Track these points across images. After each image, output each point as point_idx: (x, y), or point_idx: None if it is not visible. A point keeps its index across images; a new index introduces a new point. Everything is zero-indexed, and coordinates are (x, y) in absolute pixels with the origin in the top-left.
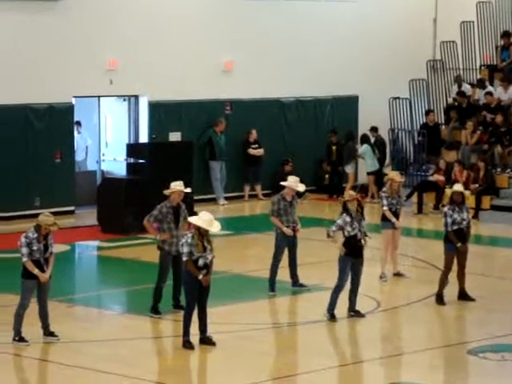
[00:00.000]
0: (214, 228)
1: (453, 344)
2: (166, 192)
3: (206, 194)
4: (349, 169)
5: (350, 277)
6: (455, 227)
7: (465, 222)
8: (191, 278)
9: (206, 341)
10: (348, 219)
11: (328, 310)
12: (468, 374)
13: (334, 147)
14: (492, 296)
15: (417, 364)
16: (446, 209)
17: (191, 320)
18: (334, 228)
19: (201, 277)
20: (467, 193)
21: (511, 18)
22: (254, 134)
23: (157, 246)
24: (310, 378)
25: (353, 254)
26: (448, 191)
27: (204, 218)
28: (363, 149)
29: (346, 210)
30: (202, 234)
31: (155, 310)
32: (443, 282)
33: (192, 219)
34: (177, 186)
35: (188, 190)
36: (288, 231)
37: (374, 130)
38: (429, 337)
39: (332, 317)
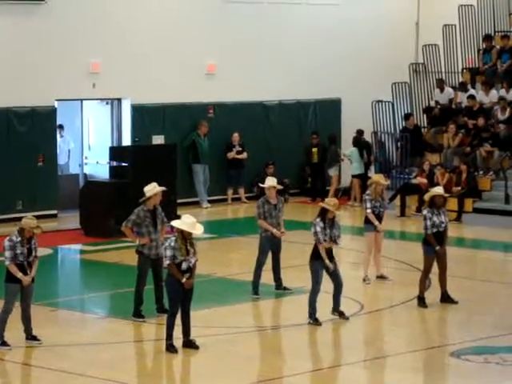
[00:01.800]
0: (197, 231)
1: (435, 346)
2: (145, 198)
3: (189, 198)
4: (332, 172)
5: (331, 279)
6: (435, 230)
7: (443, 225)
8: (174, 282)
9: (189, 344)
10: (321, 225)
11: (310, 315)
12: (450, 377)
13: (314, 149)
14: (475, 298)
15: (399, 367)
16: (425, 212)
17: (174, 323)
18: (320, 237)
19: (184, 280)
20: (447, 195)
21: (493, 22)
22: (236, 137)
23: (136, 251)
24: (294, 381)
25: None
26: (427, 195)
27: (187, 221)
28: (351, 151)
29: (321, 214)
30: (185, 237)
31: (138, 314)
32: (423, 284)
33: (175, 223)
34: (152, 189)
35: (163, 188)
36: (277, 233)
37: (359, 133)
38: (411, 339)
39: (316, 321)
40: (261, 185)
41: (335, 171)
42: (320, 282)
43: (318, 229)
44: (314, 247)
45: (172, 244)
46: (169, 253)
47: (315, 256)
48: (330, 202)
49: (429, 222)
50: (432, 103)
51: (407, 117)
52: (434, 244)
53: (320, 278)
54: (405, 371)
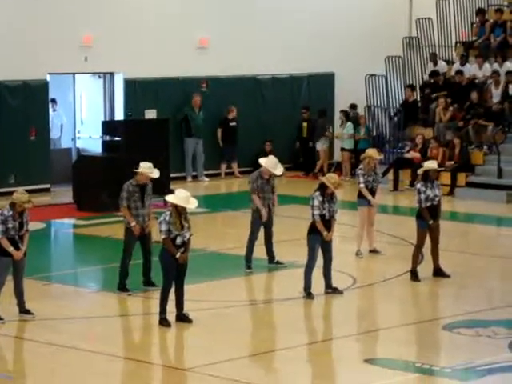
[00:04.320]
0: (191, 205)
1: (427, 320)
2: (136, 171)
3: (181, 172)
4: (319, 146)
5: (322, 253)
6: (428, 203)
7: (437, 199)
8: (168, 256)
9: (182, 318)
10: (320, 198)
11: (304, 289)
12: (442, 350)
13: (304, 124)
14: (467, 272)
15: (392, 340)
16: (418, 185)
17: (168, 298)
18: (316, 212)
19: (178, 255)
20: (441, 169)
21: None
22: (234, 111)
23: (125, 227)
24: (287, 354)
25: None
26: (421, 169)
27: (180, 196)
28: (347, 126)
29: (320, 189)
30: (179, 211)
31: (123, 288)
32: (416, 258)
33: (168, 197)
34: (145, 169)
35: (156, 175)
36: (264, 215)
37: (353, 107)
38: (404, 313)
39: (309, 295)
40: (260, 160)
41: (322, 145)
42: (316, 256)
43: (316, 202)
44: (311, 221)
45: (167, 218)
46: (164, 227)
47: (312, 230)
48: (331, 178)
49: (422, 196)
50: (425, 77)
51: (411, 88)
52: (428, 218)
53: (316, 253)
54: (397, 344)
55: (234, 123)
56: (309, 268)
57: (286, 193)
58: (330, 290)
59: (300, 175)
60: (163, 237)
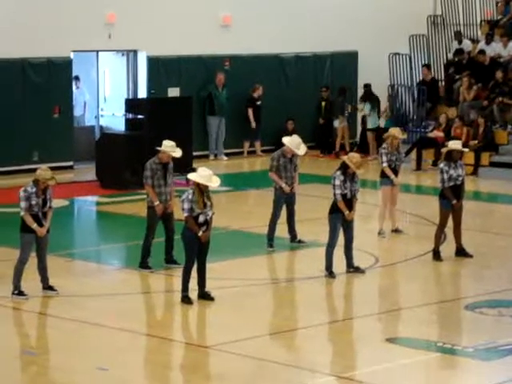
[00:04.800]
0: (214, 183)
1: (450, 299)
2: (159, 149)
3: (204, 150)
4: (337, 123)
5: (343, 232)
6: (451, 183)
7: (460, 179)
8: (191, 235)
9: (204, 296)
10: (342, 178)
11: (326, 268)
12: (464, 329)
13: (323, 103)
14: (490, 252)
15: (414, 319)
16: (442, 165)
17: (190, 276)
18: (337, 191)
19: (200, 233)
20: (466, 150)
21: None
22: (259, 90)
23: (148, 206)
24: (308, 333)
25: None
26: (445, 148)
27: (203, 174)
28: (367, 106)
29: (342, 168)
30: (201, 190)
31: (145, 266)
32: (439, 238)
33: (191, 176)
34: (168, 148)
35: (178, 154)
36: (286, 188)
37: (366, 87)
38: (426, 292)
39: (331, 274)
40: (283, 140)
41: (340, 123)
42: (337, 235)
43: (338, 182)
44: (333, 200)
45: (190, 197)
46: (186, 205)
47: (333, 209)
48: (353, 158)
49: (445, 176)
50: (450, 56)
51: (427, 66)
52: (451, 198)
53: (337, 232)
54: (419, 324)
55: (259, 102)
56: (330, 247)
57: (309, 172)
58: (352, 269)
59: (318, 154)
60: (186, 215)
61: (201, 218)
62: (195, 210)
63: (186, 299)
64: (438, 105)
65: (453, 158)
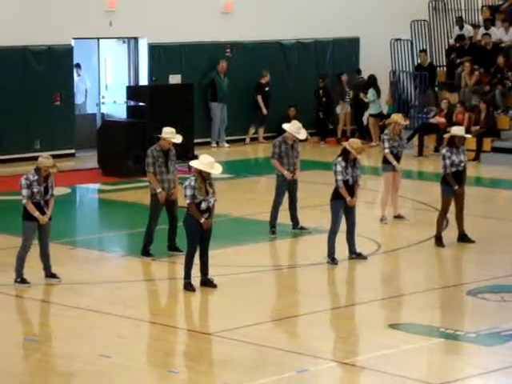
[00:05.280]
0: (216, 170)
1: (452, 285)
2: (159, 136)
3: (206, 137)
4: (338, 109)
5: (345, 218)
6: (453, 169)
7: (462, 164)
8: (193, 221)
9: (207, 283)
10: (343, 164)
11: (328, 255)
12: (467, 315)
13: (320, 91)
14: (492, 238)
15: (416, 305)
16: (444, 151)
17: (193, 262)
18: (339, 178)
19: (203, 220)
20: (469, 136)
21: None
22: (267, 76)
23: (151, 193)
24: (311, 319)
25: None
26: (447, 134)
27: (205, 161)
28: (371, 92)
29: (343, 154)
30: (203, 177)
31: (146, 253)
32: (441, 223)
33: (193, 163)
34: (168, 134)
35: (179, 140)
36: (288, 174)
37: (358, 72)
38: (428, 278)
39: (333, 260)
40: (283, 126)
41: (342, 109)
42: (339, 222)
43: (339, 168)
44: (335, 187)
45: (192, 184)
46: (189, 192)
47: (335, 196)
48: (354, 144)
49: (448, 161)
50: (451, 41)
51: (422, 53)
52: (453, 183)
53: (339, 218)
54: (421, 310)
55: (267, 88)
56: (332, 233)
57: (310, 158)
58: (354, 255)
59: (316, 140)
60: (188, 202)
61: (203, 205)
62: (197, 197)
63: (188, 286)
64: (438, 90)
65: (455, 143)
